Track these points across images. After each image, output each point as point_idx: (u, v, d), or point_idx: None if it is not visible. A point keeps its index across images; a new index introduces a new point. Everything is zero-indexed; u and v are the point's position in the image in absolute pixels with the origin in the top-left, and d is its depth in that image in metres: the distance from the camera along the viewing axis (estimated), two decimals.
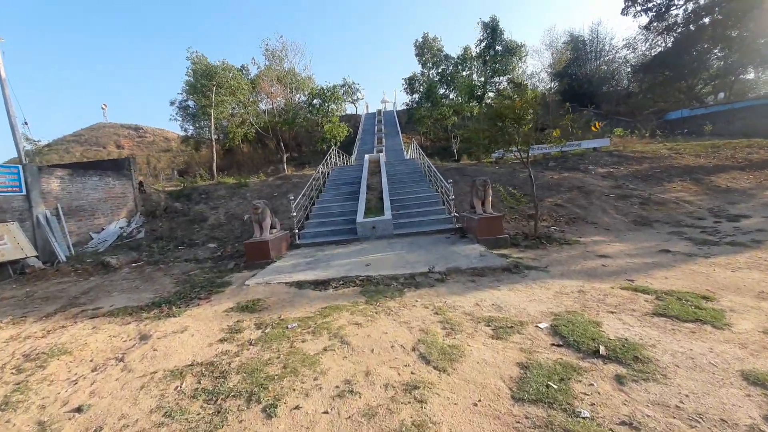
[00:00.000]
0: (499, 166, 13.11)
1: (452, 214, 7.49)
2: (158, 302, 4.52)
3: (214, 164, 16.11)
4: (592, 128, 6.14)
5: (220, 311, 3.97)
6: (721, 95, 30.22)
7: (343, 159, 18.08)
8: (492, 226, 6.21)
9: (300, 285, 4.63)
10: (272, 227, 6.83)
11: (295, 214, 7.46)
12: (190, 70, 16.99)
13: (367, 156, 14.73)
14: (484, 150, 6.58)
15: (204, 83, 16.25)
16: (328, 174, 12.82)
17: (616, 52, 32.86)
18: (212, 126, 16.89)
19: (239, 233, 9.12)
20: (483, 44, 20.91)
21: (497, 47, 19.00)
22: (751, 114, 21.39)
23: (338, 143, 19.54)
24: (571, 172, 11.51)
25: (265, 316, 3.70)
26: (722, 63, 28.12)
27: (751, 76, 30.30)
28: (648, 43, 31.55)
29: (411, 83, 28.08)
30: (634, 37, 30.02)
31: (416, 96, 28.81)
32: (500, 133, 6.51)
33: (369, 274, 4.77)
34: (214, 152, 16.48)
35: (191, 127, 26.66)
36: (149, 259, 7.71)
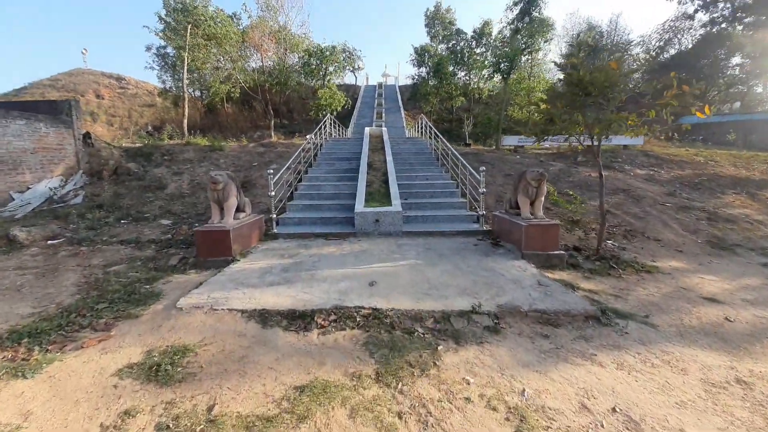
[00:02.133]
0: (519, 155, 11.38)
1: (480, 213, 5.76)
2: (22, 331, 2.68)
3: (185, 121, 13.72)
4: (699, 114, 4.48)
5: (110, 372, 2.18)
6: (738, 104, 29.22)
7: (339, 130, 15.94)
8: (545, 237, 4.52)
9: (265, 318, 2.86)
10: (239, 209, 4.95)
11: (273, 193, 5.57)
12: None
13: (367, 129, 12.69)
14: (538, 133, 4.67)
15: (179, 19, 13.54)
16: (321, 146, 10.81)
17: (627, 50, 31.15)
18: (185, 74, 14.34)
19: (203, 209, 7.17)
20: (518, 8, 18.20)
21: (533, 13, 16.48)
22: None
23: (334, 113, 17.29)
24: (606, 170, 9.87)
25: (185, 400, 1.94)
26: (737, 72, 26.95)
27: (759, 89, 29.43)
28: (662, 42, 30.04)
29: (420, 55, 25.55)
30: (649, 35, 28.48)
31: (424, 70, 26.44)
32: (577, 110, 4.70)
33: (376, 306, 3.03)
34: (186, 106, 14.02)
35: (170, 78, 23.69)
36: (74, 235, 5.74)
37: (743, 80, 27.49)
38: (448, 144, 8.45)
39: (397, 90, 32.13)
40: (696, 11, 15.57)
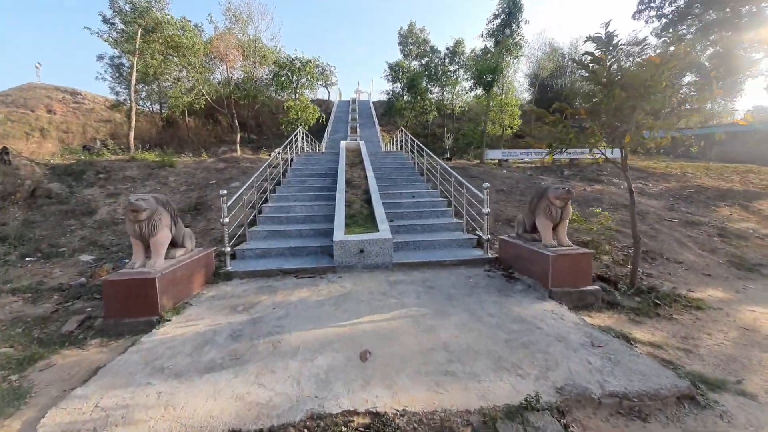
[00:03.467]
0: (505, 169, 10.79)
1: (484, 236, 4.82)
2: None
3: (131, 133, 12.00)
4: (742, 122, 3.89)
5: None
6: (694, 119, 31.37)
7: (312, 145, 14.83)
8: (576, 270, 3.61)
9: None
10: (175, 245, 3.66)
11: (227, 219, 4.32)
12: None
13: (343, 142, 11.69)
14: (562, 144, 3.79)
15: (128, 21, 12.05)
16: (291, 161, 9.63)
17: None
18: (133, 80, 12.70)
19: None
20: (498, 20, 18.07)
21: (513, 26, 16.32)
22: (729, 140, 21.62)
23: (307, 127, 16.20)
24: (596, 184, 9.45)
25: None
26: (689, 90, 29.12)
27: (709, 106, 31.96)
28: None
29: (395, 70, 25.28)
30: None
31: (398, 85, 26.16)
32: (615, 114, 3.93)
33: (375, 406, 1.90)
34: (133, 117, 12.33)
35: (124, 90, 21.68)
36: None
37: (695, 98, 29.61)
38: (436, 158, 7.58)
39: (371, 105, 31.71)
40: (663, 30, 16.35)
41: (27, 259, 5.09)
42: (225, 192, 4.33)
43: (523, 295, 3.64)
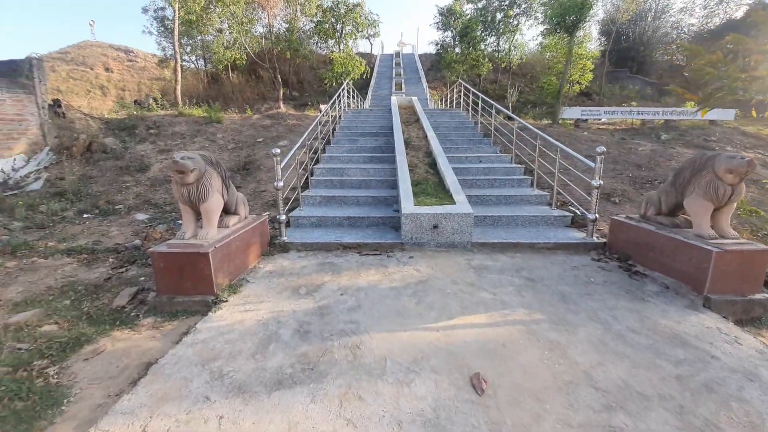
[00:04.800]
0: (584, 130, 9.16)
1: (590, 215, 3.83)
2: None
3: (178, 87, 11.77)
4: None
5: None
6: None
7: (357, 101, 13.81)
8: (745, 272, 2.61)
9: None
10: (228, 211, 3.15)
11: (281, 183, 3.74)
12: None
13: (394, 98, 10.59)
14: (730, 93, 2.55)
15: None
16: (339, 118, 8.82)
17: (669, 15, 27.43)
18: (176, 29, 12.20)
19: None
20: None
21: None
22: None
23: (351, 82, 15.08)
24: (701, 150, 7.67)
25: None
26: None
27: None
28: (709, 10, 26.36)
29: (446, 16, 22.53)
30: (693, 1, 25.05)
31: (449, 34, 23.47)
32: None
33: None
34: (179, 69, 12.04)
35: (169, 44, 21.57)
36: (11, 239, 4.08)
37: None
38: (516, 117, 6.37)
39: (417, 59, 29.26)
40: None
41: (85, 215, 4.99)
42: (278, 151, 3.70)
43: (664, 300, 2.73)
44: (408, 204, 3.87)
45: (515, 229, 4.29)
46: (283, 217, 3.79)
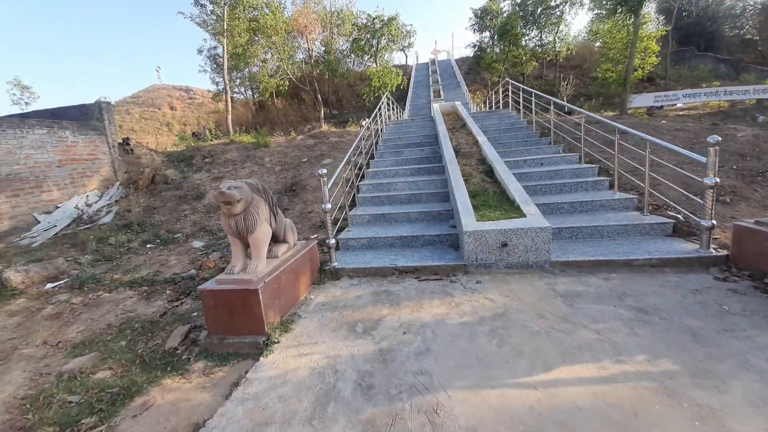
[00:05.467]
0: (660, 119, 7.94)
1: (706, 222, 3.05)
2: None
3: (229, 117, 12.52)
4: None
5: None
6: None
7: (397, 112, 13.64)
8: None
9: None
10: (277, 239, 2.95)
11: (329, 206, 3.49)
12: None
13: (435, 105, 10.20)
14: None
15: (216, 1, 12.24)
16: (380, 131, 8.62)
17: None
18: (225, 61, 13.06)
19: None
20: None
21: None
22: None
23: (388, 93, 15.03)
24: None
25: None
26: None
27: None
28: None
29: (481, 18, 21.85)
30: None
31: (486, 34, 22.70)
32: None
33: None
34: (229, 99, 12.83)
35: (221, 79, 23.55)
36: (82, 272, 4.34)
37: None
38: (582, 110, 5.64)
39: (453, 63, 28.73)
40: None
41: (148, 246, 5.23)
42: (324, 171, 3.48)
43: None
44: (469, 219, 3.40)
45: (601, 241, 3.60)
46: (333, 240, 3.53)
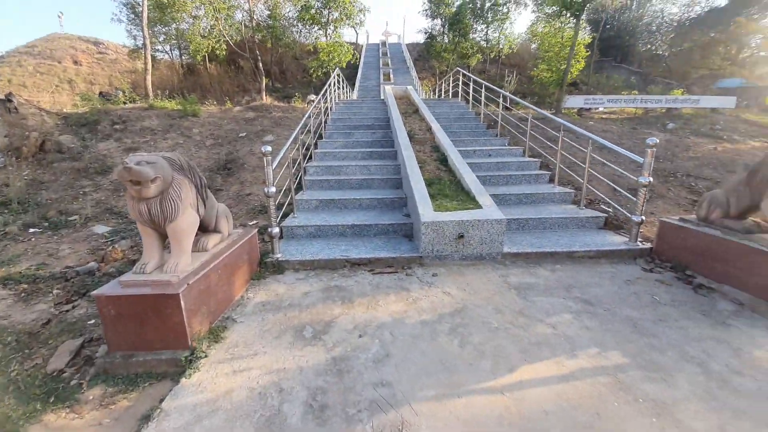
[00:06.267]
0: (589, 120, 8.73)
1: (636, 217, 3.32)
2: None
3: (148, 77, 10.66)
4: None
5: None
6: None
7: (347, 92, 13.02)
8: None
9: None
10: (206, 229, 2.46)
11: (273, 189, 3.05)
12: None
13: (388, 87, 9.89)
14: None
15: None
16: (329, 110, 8.05)
17: (652, 4, 27.59)
18: (144, 13, 11.02)
19: None
20: None
21: None
22: None
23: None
24: (713, 140, 7.35)
25: None
26: None
27: None
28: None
29: (435, 3, 21.75)
30: None
31: (438, 22, 22.75)
32: None
33: None
34: (149, 57, 10.87)
35: (140, 33, 20.07)
36: None
37: None
38: (531, 106, 5.82)
39: (404, 48, 28.43)
40: None
41: (31, 230, 4.16)
42: (269, 149, 3.00)
43: (746, 323, 2.24)
44: (427, 210, 3.25)
45: (544, 233, 3.75)
46: (276, 229, 3.10)
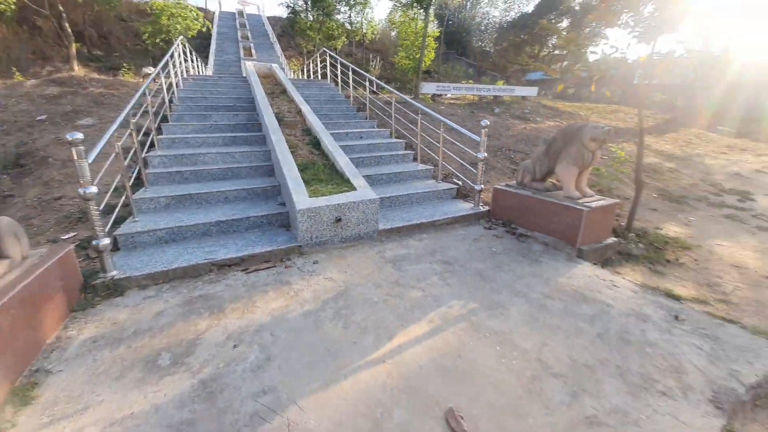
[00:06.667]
0: (441, 105, 9.98)
1: (477, 186, 4.01)
2: None
3: None
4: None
5: None
6: (565, 63, 35.74)
7: (198, 65, 11.10)
8: (603, 223, 3.17)
9: None
10: None
11: (93, 189, 2.34)
12: None
13: (249, 63, 8.89)
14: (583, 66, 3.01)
15: None
16: (175, 87, 6.69)
17: (480, 6, 33.62)
18: None
19: None
20: None
21: None
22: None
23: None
24: (523, 121, 9.51)
25: None
26: (564, 34, 32.53)
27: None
28: (507, 3, 33.66)
29: None
30: None
31: None
32: None
33: None
34: None
35: None
36: None
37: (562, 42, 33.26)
38: (396, 92, 6.16)
39: (265, 21, 26.06)
40: None
41: None
42: (79, 136, 2.25)
43: (550, 257, 3.06)
44: (301, 196, 3.11)
45: (412, 207, 4.15)
46: (106, 240, 2.42)
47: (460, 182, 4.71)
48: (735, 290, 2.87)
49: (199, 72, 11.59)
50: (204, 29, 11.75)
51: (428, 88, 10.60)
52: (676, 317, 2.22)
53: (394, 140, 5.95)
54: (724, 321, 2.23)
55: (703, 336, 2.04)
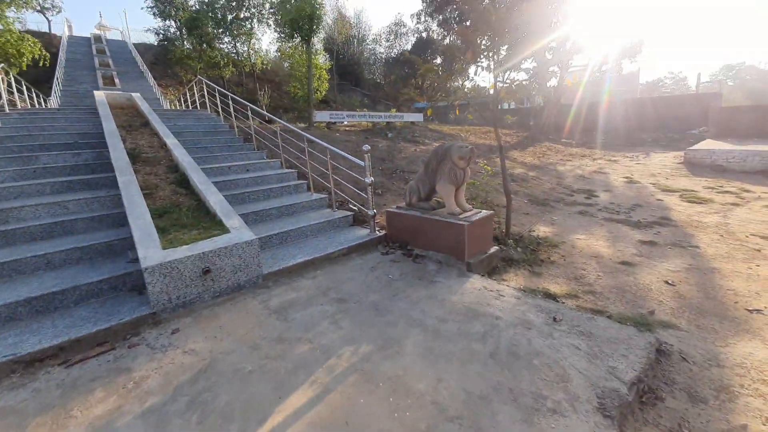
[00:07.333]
0: (336, 132, 10.05)
1: (370, 211, 3.91)
2: None
3: None
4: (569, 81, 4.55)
5: None
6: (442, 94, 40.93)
7: (36, 98, 8.87)
8: (484, 234, 3.36)
9: None
10: None
11: None
12: None
13: (99, 93, 7.45)
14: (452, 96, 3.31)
15: None
16: None
17: (367, 43, 36.74)
18: None
19: None
20: None
21: None
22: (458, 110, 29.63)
23: (17, 72, 9.24)
24: (414, 144, 10.24)
25: None
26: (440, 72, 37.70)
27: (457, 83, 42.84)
28: (389, 42, 37.52)
29: (162, 2, 18.58)
30: (380, 35, 35.49)
31: (173, 24, 19.70)
32: None
33: None
34: None
35: None
36: None
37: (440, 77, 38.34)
38: (282, 121, 5.81)
39: (132, 47, 23.08)
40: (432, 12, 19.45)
41: None
42: None
43: (444, 275, 3.08)
44: (151, 249, 2.48)
45: (306, 241, 3.82)
46: None
47: (356, 208, 4.59)
48: (597, 279, 3.33)
49: (35, 105, 9.36)
50: (44, 60, 9.37)
51: (321, 116, 10.63)
52: (554, 318, 2.38)
53: (286, 170, 5.59)
54: (593, 314, 2.48)
55: (579, 334, 2.20)
